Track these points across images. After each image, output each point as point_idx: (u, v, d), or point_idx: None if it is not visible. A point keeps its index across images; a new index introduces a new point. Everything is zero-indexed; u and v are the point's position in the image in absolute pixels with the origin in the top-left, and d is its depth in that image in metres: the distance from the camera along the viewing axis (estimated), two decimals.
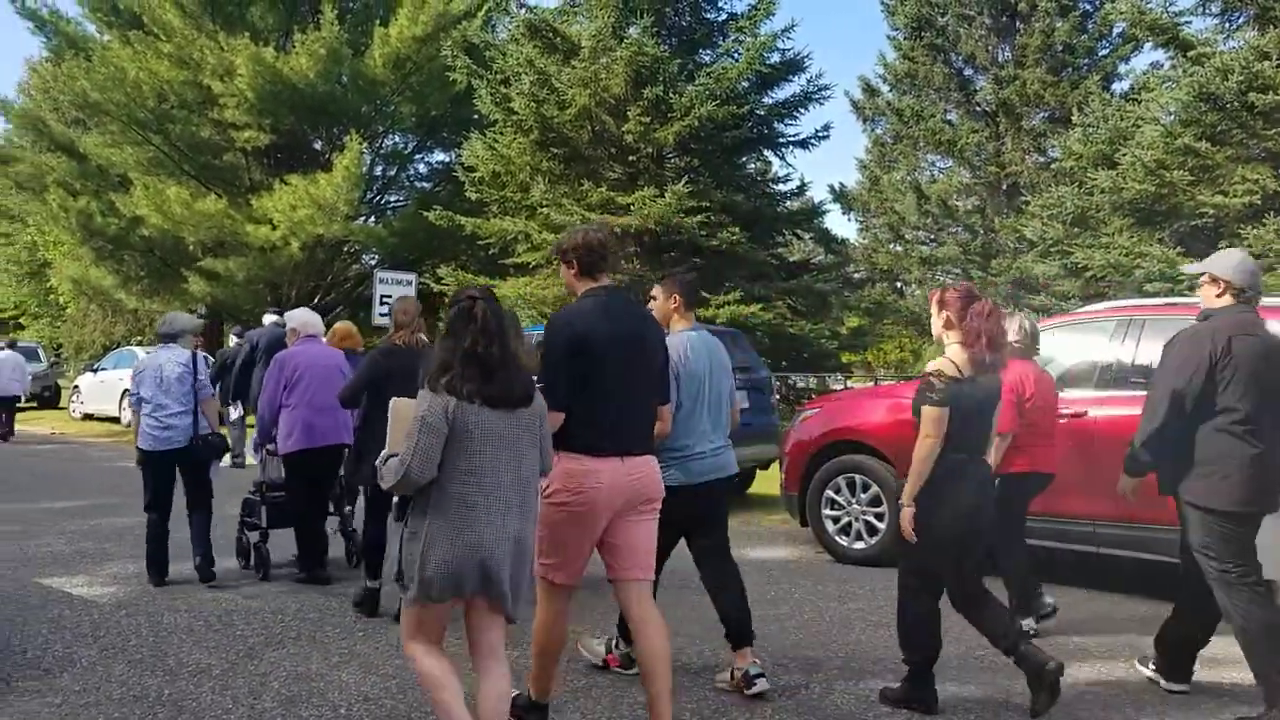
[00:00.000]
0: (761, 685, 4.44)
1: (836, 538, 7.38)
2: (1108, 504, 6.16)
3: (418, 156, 23.12)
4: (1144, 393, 6.07)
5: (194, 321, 6.98)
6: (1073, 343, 6.81)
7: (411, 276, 14.74)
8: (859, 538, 7.28)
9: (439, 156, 23.19)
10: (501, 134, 16.81)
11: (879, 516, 7.17)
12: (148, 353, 7.41)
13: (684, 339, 4.65)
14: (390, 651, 5.10)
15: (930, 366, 4.30)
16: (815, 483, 7.45)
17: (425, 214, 17.97)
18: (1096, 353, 6.56)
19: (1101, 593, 6.48)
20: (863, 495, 7.25)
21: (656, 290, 4.89)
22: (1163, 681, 4.64)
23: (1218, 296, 4.44)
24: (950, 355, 4.29)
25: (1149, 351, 6.27)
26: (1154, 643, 4.71)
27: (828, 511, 7.43)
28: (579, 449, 3.69)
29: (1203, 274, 4.54)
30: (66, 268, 22.99)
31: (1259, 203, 11.52)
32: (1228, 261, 4.48)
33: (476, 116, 18.30)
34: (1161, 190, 12.40)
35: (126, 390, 11.79)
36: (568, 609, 3.92)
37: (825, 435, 7.51)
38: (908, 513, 4.21)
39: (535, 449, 3.45)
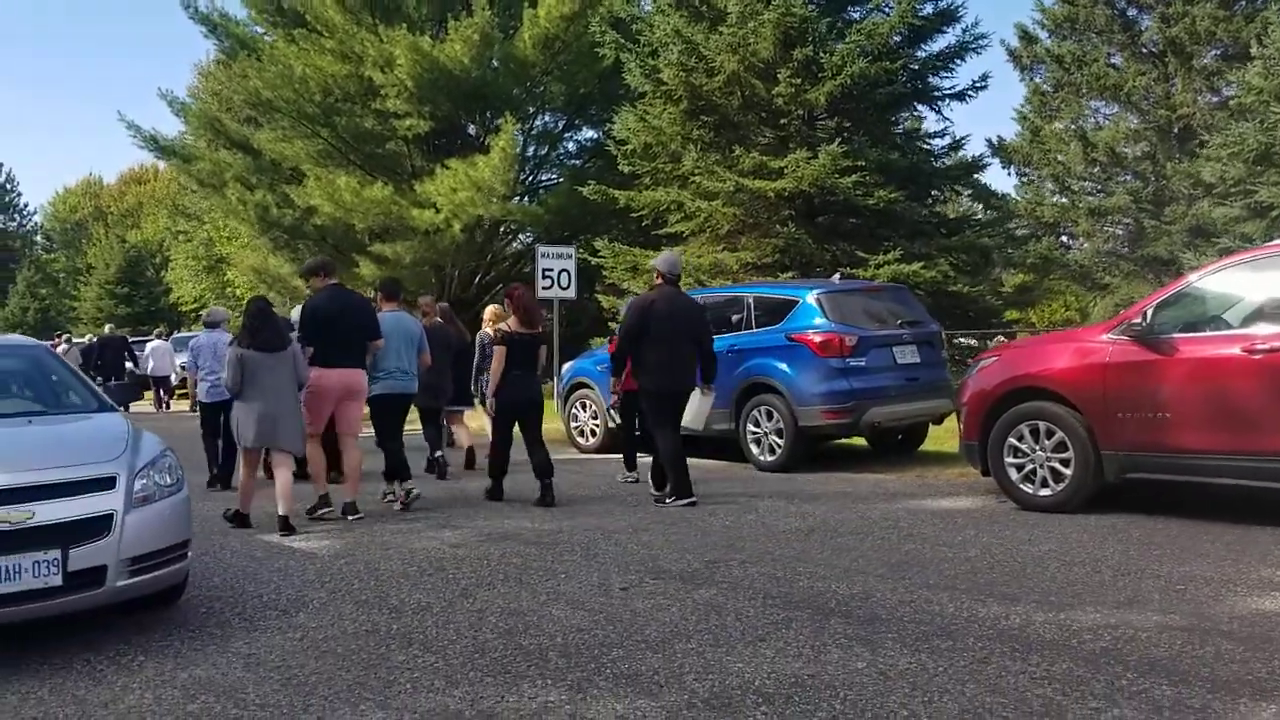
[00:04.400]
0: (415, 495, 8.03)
1: (1021, 485, 7.30)
2: None
3: (568, 135, 23.64)
4: None
5: (228, 313, 9.37)
6: (1264, 278, 6.54)
7: (571, 250, 15.11)
8: (1044, 484, 7.19)
9: (588, 134, 23.65)
10: (651, 105, 17.02)
11: (1064, 463, 7.06)
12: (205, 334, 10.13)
13: (384, 316, 8.33)
14: (594, 590, 5.38)
15: None
16: (997, 431, 7.38)
17: (579, 189, 18.36)
18: None
19: None
20: (1046, 442, 7.15)
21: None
22: None
23: None
24: None
25: None
26: None
27: (1010, 459, 7.35)
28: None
29: None
30: (246, 258, 24.43)
31: None
32: None
33: (624, 91, 18.55)
34: None
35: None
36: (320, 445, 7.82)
37: (1006, 383, 7.43)
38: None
39: (291, 371, 7.18)
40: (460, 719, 3.67)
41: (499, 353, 8.14)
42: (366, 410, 8.25)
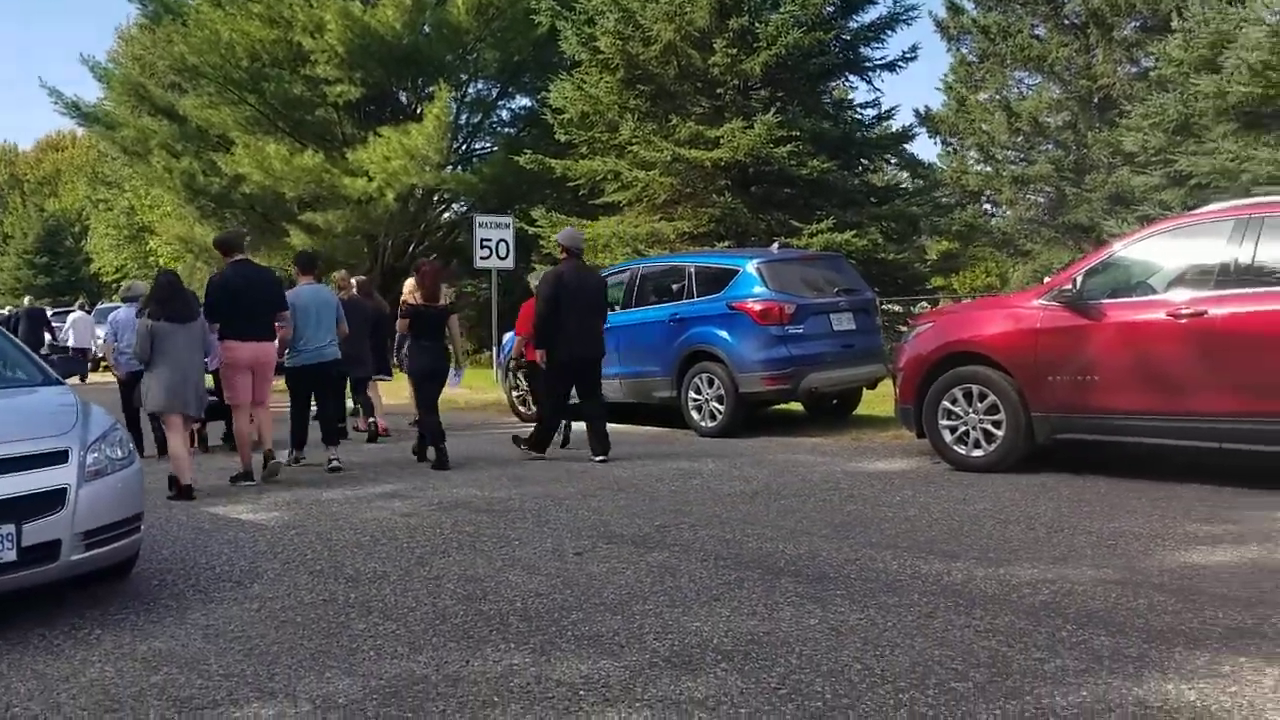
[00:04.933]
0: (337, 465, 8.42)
1: (954, 446, 7.55)
2: (1230, 400, 6.26)
3: (502, 103, 23.47)
4: (1266, 289, 6.18)
5: (145, 288, 9.38)
6: (1189, 244, 6.83)
7: (509, 220, 15.08)
8: (977, 446, 7.45)
9: (523, 102, 23.50)
10: (588, 74, 16.99)
11: (996, 424, 7.32)
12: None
13: (301, 289, 8.81)
14: (549, 555, 5.47)
15: None
16: (931, 394, 7.62)
17: (514, 158, 18.28)
18: (1215, 253, 6.57)
19: (1225, 488, 6.57)
20: (979, 404, 7.40)
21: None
22: None
23: None
24: None
25: (1272, 250, 6.31)
26: None
27: (945, 422, 7.59)
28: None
29: None
30: (171, 227, 23.91)
31: None
32: None
33: (560, 59, 18.47)
34: (1269, 91, 12.10)
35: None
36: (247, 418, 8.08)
37: (940, 348, 7.66)
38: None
39: (199, 342, 7.60)
40: (427, 684, 3.74)
41: (401, 324, 9.00)
42: (280, 381, 8.83)
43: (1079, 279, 6.98)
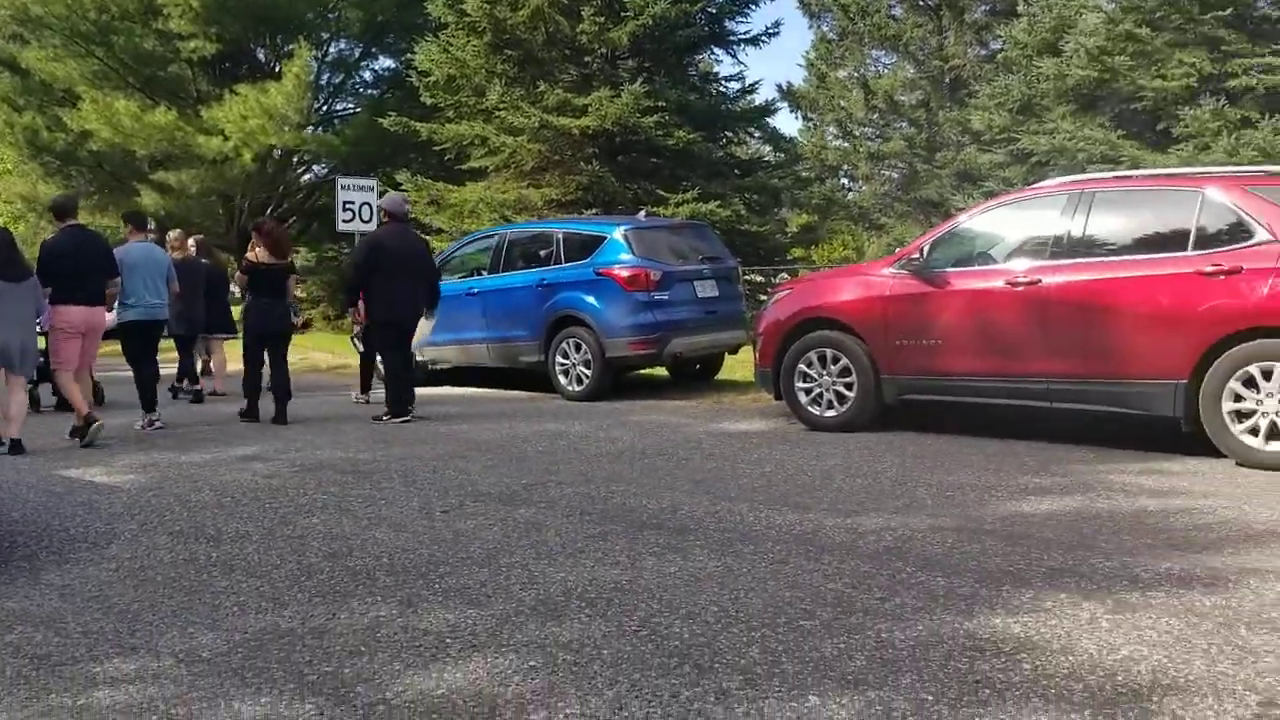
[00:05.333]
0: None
1: (809, 407, 7.88)
2: (1061, 363, 6.73)
3: (365, 63, 22.94)
4: (1094, 259, 6.65)
5: None
6: (1026, 217, 7.28)
7: (373, 183, 14.84)
8: (830, 407, 7.80)
9: (386, 63, 23.02)
10: (455, 37, 16.79)
11: (848, 386, 7.67)
12: None
13: (131, 247, 9.05)
14: (416, 514, 5.53)
15: None
16: (789, 358, 7.93)
17: (378, 121, 17.96)
18: (1049, 225, 7.02)
19: (1055, 445, 7.06)
20: (833, 368, 7.74)
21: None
22: None
23: None
24: None
25: (1100, 222, 6.78)
26: None
27: (800, 384, 7.91)
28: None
29: None
30: (13, 185, 22.61)
31: (1195, 85, 12.03)
32: None
33: (425, 20, 18.18)
34: (1103, 75, 12.86)
35: None
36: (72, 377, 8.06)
37: (798, 314, 7.97)
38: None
39: (32, 302, 7.55)
40: (293, 636, 3.78)
41: (240, 281, 9.22)
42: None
43: (926, 248, 7.36)
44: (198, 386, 11.09)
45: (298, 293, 10.26)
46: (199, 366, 11.58)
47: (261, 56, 21.46)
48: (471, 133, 16.73)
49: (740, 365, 11.20)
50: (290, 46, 18.95)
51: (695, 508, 5.53)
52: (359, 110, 21.99)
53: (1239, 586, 4.03)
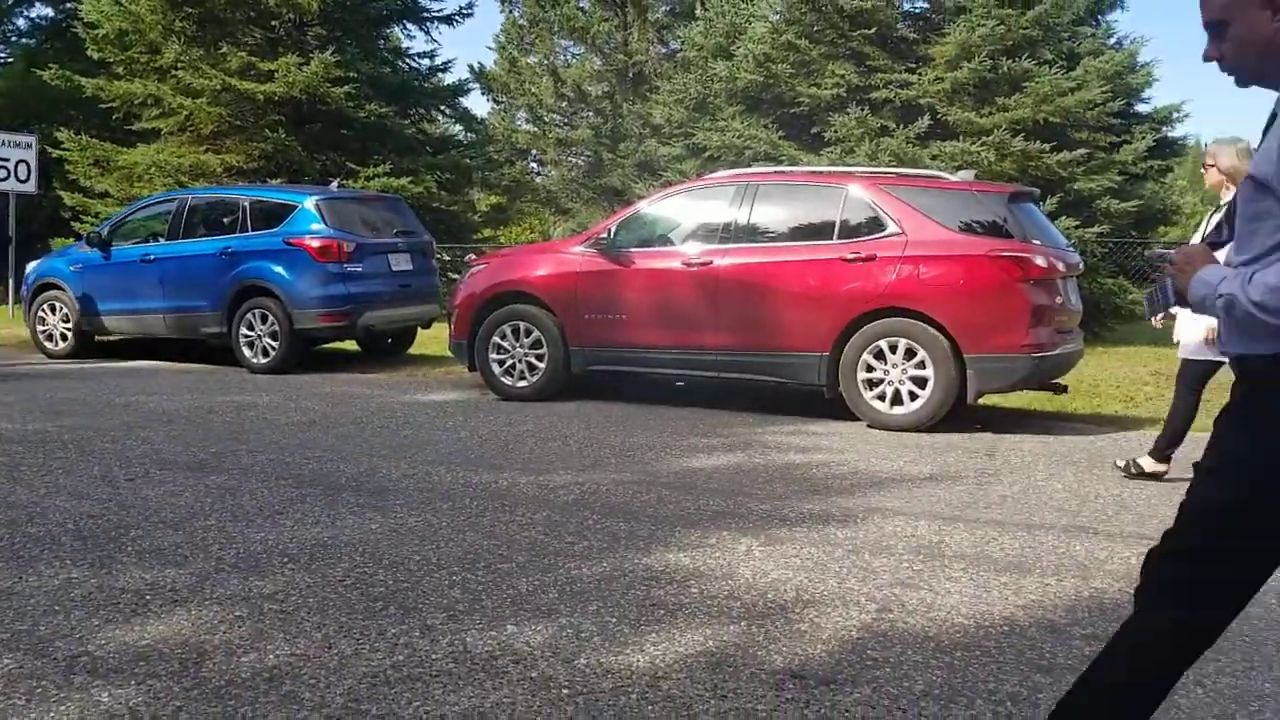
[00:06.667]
0: None
1: (502, 378, 8.24)
2: (727, 337, 7.48)
3: (19, 10, 20.73)
4: (758, 245, 7.43)
5: None
6: (700, 205, 7.99)
7: (31, 139, 13.59)
8: (521, 377, 8.19)
9: (44, 11, 20.93)
10: None
11: (540, 357, 8.09)
12: None
13: None
14: (97, 482, 5.35)
15: None
16: (484, 330, 8.24)
17: (36, 73, 16.40)
18: (719, 213, 7.76)
19: (722, 410, 7.82)
20: (525, 340, 8.13)
21: None
22: None
23: None
24: None
25: (762, 212, 7.59)
26: None
27: (494, 356, 8.25)
28: None
29: None
30: None
31: (844, 94, 13.43)
32: None
33: None
34: (768, 80, 14.04)
35: None
36: None
37: (493, 287, 8.29)
38: None
39: None
40: None
41: None
42: None
43: (613, 229, 7.91)
44: None
45: None
46: None
47: None
48: (144, 92, 15.66)
49: (433, 340, 11.37)
50: None
51: (393, 471, 5.73)
52: (12, 60, 19.88)
53: (865, 522, 4.80)
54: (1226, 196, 5.21)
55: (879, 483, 5.63)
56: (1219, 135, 6.16)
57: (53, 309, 10.93)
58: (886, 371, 7.02)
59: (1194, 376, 5.63)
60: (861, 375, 7.08)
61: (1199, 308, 2.04)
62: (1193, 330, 5.49)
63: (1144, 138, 13.53)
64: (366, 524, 4.67)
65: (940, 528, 4.73)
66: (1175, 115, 14.72)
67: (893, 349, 7.00)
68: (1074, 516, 5.00)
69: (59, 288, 10.84)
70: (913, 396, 6.97)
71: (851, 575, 4.07)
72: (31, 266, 11.39)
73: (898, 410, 7.01)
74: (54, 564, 4.05)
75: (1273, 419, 1.92)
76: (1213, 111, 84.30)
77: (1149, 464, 5.72)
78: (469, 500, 5.10)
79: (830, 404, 7.39)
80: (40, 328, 11.00)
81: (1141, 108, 14.83)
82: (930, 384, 6.90)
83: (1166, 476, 5.67)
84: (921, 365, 6.92)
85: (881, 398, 7.05)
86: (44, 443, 6.34)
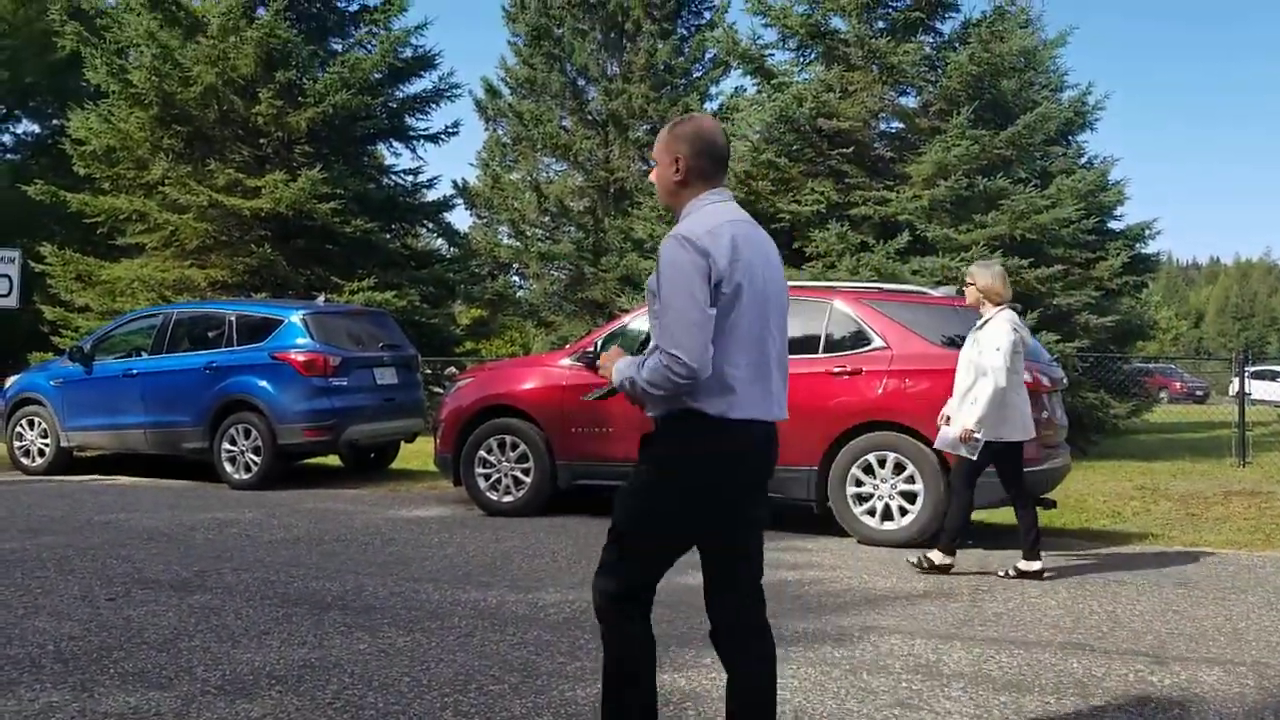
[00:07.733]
0: None
1: (488, 493, 8.18)
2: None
3: (5, 126, 21.09)
4: None
5: None
6: None
7: (15, 253, 13.58)
8: (507, 491, 8.13)
9: (30, 127, 21.28)
10: (116, 107, 15.95)
11: (525, 472, 8.06)
12: None
13: None
14: (77, 601, 5.24)
15: None
16: (469, 444, 8.21)
17: (21, 187, 16.57)
18: None
19: None
20: (511, 454, 8.11)
21: None
22: None
23: None
24: None
25: None
26: None
27: (480, 470, 8.21)
28: None
29: None
30: None
31: (824, 210, 13.74)
32: None
33: (83, 86, 17.15)
34: (749, 197, 14.34)
35: None
36: None
37: (479, 401, 8.30)
38: None
39: None
40: None
41: None
42: None
43: (599, 343, 7.97)
44: None
45: None
46: None
47: None
48: (130, 207, 15.84)
49: (415, 454, 11.31)
50: None
51: (380, 588, 5.64)
52: None
53: (861, 641, 4.75)
54: (986, 310, 6.14)
55: (873, 600, 5.59)
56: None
57: (31, 424, 10.84)
58: (876, 486, 7.03)
59: (967, 471, 6.05)
60: (850, 490, 7.08)
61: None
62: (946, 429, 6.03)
63: (1118, 254, 13.88)
64: (355, 644, 4.58)
65: (937, 645, 4.69)
66: (1147, 232, 15.13)
67: (881, 463, 7.02)
68: (1069, 633, 4.97)
69: (39, 402, 10.78)
70: (903, 511, 6.96)
71: (850, 696, 4.01)
72: (11, 381, 11.36)
73: (888, 525, 7.00)
74: (34, 687, 3.94)
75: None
76: (1186, 230, 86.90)
77: (938, 557, 6.12)
78: (458, 619, 5.02)
79: (820, 519, 7.36)
80: (17, 443, 10.89)
81: (1114, 225, 15.25)
82: (920, 499, 6.91)
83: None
84: (911, 480, 6.93)
85: (871, 513, 7.04)
86: (22, 561, 6.22)
